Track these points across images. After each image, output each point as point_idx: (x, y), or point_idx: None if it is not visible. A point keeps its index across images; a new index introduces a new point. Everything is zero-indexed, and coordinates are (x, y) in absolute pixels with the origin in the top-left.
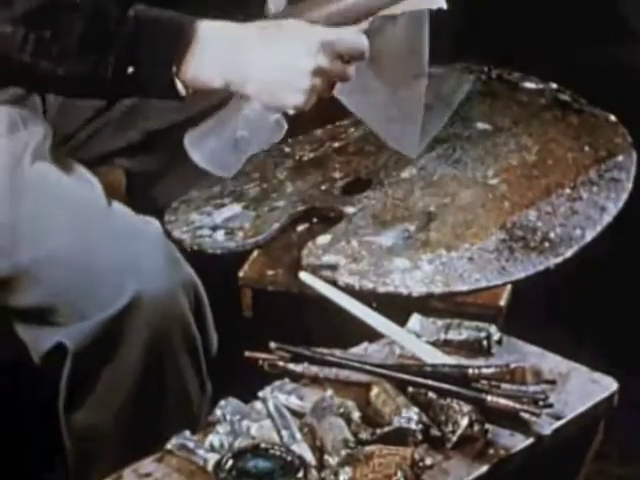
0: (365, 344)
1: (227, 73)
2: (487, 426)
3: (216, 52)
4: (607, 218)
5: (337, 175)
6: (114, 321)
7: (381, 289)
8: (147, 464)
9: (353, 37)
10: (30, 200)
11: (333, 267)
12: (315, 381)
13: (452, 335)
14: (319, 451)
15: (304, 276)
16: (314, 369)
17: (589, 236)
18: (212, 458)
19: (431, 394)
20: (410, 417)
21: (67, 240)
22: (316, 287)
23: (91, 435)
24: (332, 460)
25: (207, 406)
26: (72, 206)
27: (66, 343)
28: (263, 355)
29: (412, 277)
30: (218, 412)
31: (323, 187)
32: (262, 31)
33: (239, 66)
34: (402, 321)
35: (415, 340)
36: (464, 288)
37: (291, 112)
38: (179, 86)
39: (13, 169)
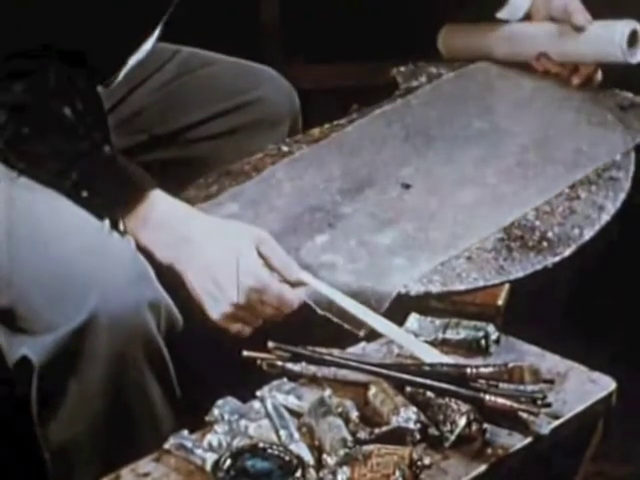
0: (363, 344)
1: (169, 250)
2: (485, 425)
3: (162, 226)
4: (605, 217)
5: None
6: (75, 336)
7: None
8: (145, 463)
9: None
10: (7, 209)
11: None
12: (313, 381)
13: (450, 334)
14: (317, 451)
15: (303, 276)
16: (312, 369)
17: (587, 235)
18: (210, 458)
19: (429, 393)
20: (408, 416)
21: (40, 248)
22: (315, 286)
23: (66, 448)
24: (330, 460)
25: (175, 418)
26: (46, 216)
27: (30, 356)
28: (261, 354)
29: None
30: (216, 412)
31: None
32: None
33: (181, 249)
34: (400, 321)
35: (413, 339)
36: (462, 287)
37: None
38: (122, 227)
39: None
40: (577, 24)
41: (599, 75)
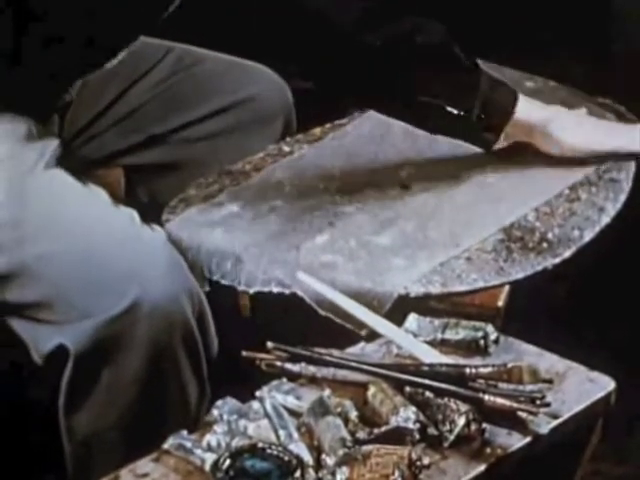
0: (362, 344)
1: None
2: (484, 425)
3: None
4: (606, 219)
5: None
6: (115, 324)
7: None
8: (144, 464)
9: None
10: (39, 202)
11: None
12: (312, 381)
13: (449, 335)
14: (316, 451)
15: (302, 276)
16: (311, 369)
17: (587, 237)
18: (209, 458)
19: (428, 393)
20: (407, 416)
21: (71, 240)
22: (314, 287)
23: (91, 439)
24: (329, 460)
25: (205, 410)
26: (80, 209)
27: (67, 345)
28: (261, 355)
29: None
30: (215, 412)
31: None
32: None
33: None
34: (399, 321)
35: (413, 340)
36: (462, 288)
37: None
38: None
39: (26, 173)
40: None
41: None
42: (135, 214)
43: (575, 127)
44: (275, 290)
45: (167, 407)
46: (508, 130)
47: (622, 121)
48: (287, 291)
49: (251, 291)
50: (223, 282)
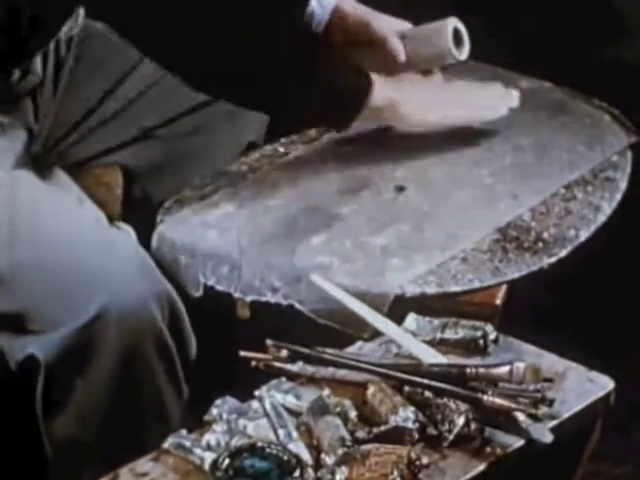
0: (360, 343)
1: None
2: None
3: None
4: (602, 218)
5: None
6: (83, 332)
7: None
8: (143, 463)
9: None
10: (6, 208)
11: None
12: (312, 380)
13: (448, 334)
14: (316, 450)
15: (314, 277)
16: (310, 369)
17: (583, 236)
18: (209, 457)
19: (428, 393)
20: (407, 416)
21: (42, 248)
22: (325, 288)
23: (72, 444)
24: (329, 459)
25: (183, 411)
26: (47, 216)
27: (37, 355)
28: (259, 355)
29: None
30: (215, 411)
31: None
32: None
33: None
34: (398, 321)
35: (412, 339)
36: (458, 289)
37: None
38: None
39: None
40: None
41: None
42: (102, 215)
43: (424, 102)
44: (272, 300)
45: (144, 413)
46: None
47: (617, 124)
48: (284, 302)
49: (248, 299)
50: (218, 288)
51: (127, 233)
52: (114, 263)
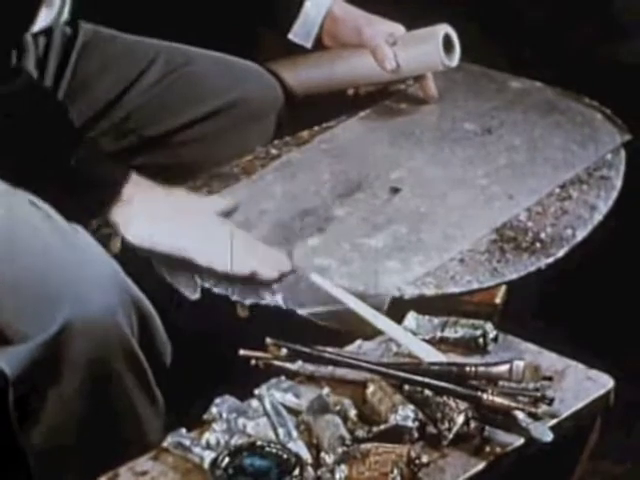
0: (359, 342)
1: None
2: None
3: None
4: (598, 217)
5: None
6: (50, 345)
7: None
8: (143, 462)
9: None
10: None
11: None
12: (311, 379)
13: (448, 333)
14: (315, 449)
15: (314, 277)
16: (310, 367)
17: (580, 235)
18: (208, 456)
19: (427, 392)
20: (406, 415)
21: (13, 262)
22: (325, 287)
23: (50, 452)
24: (328, 458)
25: (160, 418)
26: (21, 230)
27: (4, 369)
28: (258, 354)
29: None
30: (214, 410)
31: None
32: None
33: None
34: (397, 320)
35: (412, 338)
36: (456, 290)
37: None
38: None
39: None
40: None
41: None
42: (66, 224)
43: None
44: (272, 304)
45: (118, 423)
46: None
47: (609, 123)
48: (284, 306)
49: (246, 303)
50: (215, 291)
51: (94, 243)
52: (79, 275)
